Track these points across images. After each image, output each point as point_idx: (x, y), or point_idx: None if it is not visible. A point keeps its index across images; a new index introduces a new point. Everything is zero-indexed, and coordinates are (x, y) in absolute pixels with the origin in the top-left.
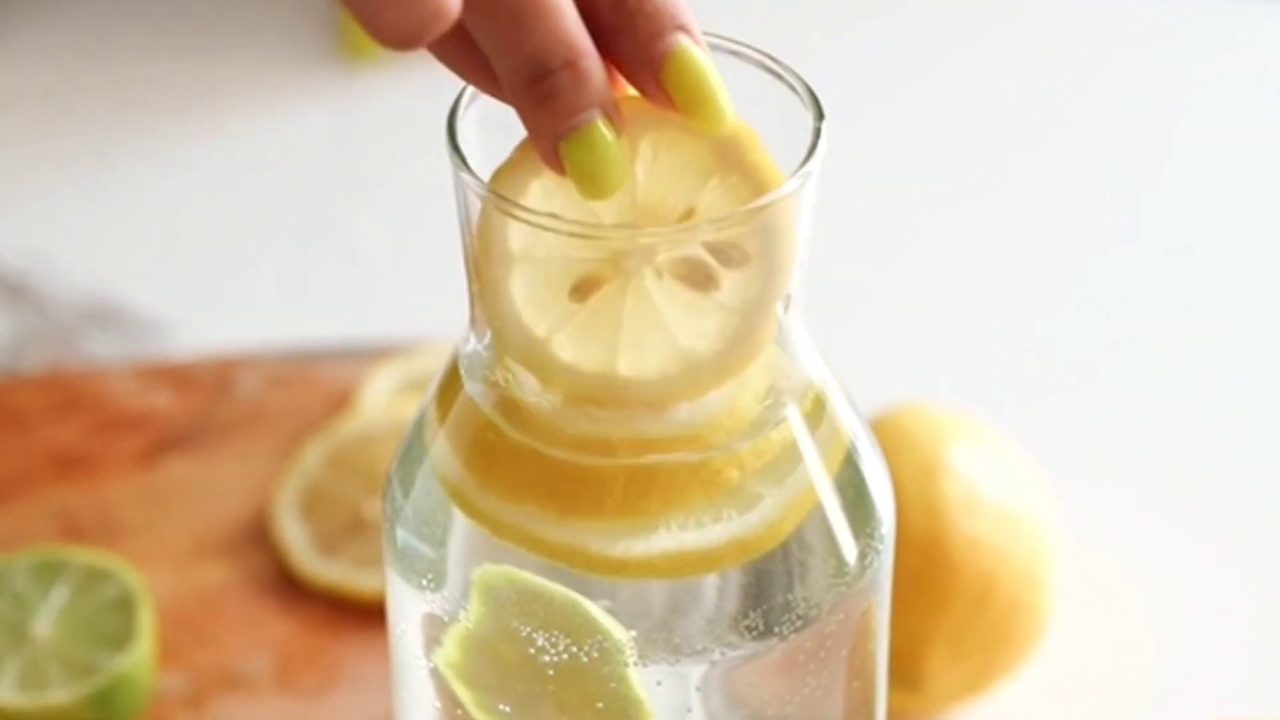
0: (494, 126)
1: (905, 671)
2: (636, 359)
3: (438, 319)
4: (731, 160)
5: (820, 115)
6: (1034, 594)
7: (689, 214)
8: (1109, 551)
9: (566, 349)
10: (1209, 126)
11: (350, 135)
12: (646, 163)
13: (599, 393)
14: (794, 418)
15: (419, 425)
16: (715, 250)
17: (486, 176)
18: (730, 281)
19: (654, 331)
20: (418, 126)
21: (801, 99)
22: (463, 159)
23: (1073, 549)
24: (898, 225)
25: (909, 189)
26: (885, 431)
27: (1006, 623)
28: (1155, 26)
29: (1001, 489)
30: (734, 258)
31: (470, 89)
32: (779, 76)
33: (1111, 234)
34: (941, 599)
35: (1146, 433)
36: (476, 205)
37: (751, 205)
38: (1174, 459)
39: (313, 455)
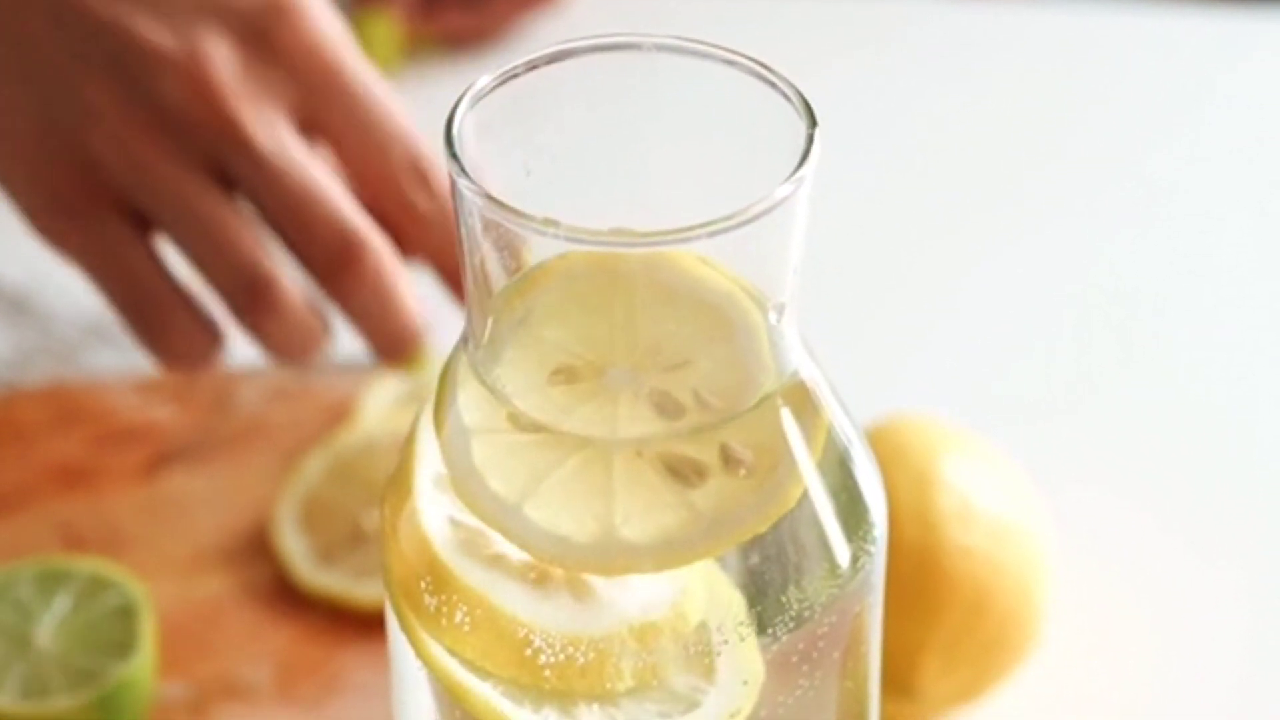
0: (493, 133)
1: (899, 680)
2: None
3: (438, 331)
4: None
5: (813, 123)
6: (1026, 604)
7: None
8: (1101, 562)
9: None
10: (1206, 144)
11: None
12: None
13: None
14: (787, 420)
15: (415, 435)
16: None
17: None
18: (715, 484)
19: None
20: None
21: (795, 107)
22: (461, 165)
23: (1065, 560)
24: (894, 238)
25: (905, 202)
26: (880, 443)
27: (999, 633)
28: (1159, 44)
29: (994, 500)
30: (730, 460)
31: (468, 95)
32: (772, 85)
33: (1106, 249)
34: (935, 609)
35: (1139, 444)
36: (474, 211)
37: (748, 207)
38: (1166, 470)
39: (313, 467)
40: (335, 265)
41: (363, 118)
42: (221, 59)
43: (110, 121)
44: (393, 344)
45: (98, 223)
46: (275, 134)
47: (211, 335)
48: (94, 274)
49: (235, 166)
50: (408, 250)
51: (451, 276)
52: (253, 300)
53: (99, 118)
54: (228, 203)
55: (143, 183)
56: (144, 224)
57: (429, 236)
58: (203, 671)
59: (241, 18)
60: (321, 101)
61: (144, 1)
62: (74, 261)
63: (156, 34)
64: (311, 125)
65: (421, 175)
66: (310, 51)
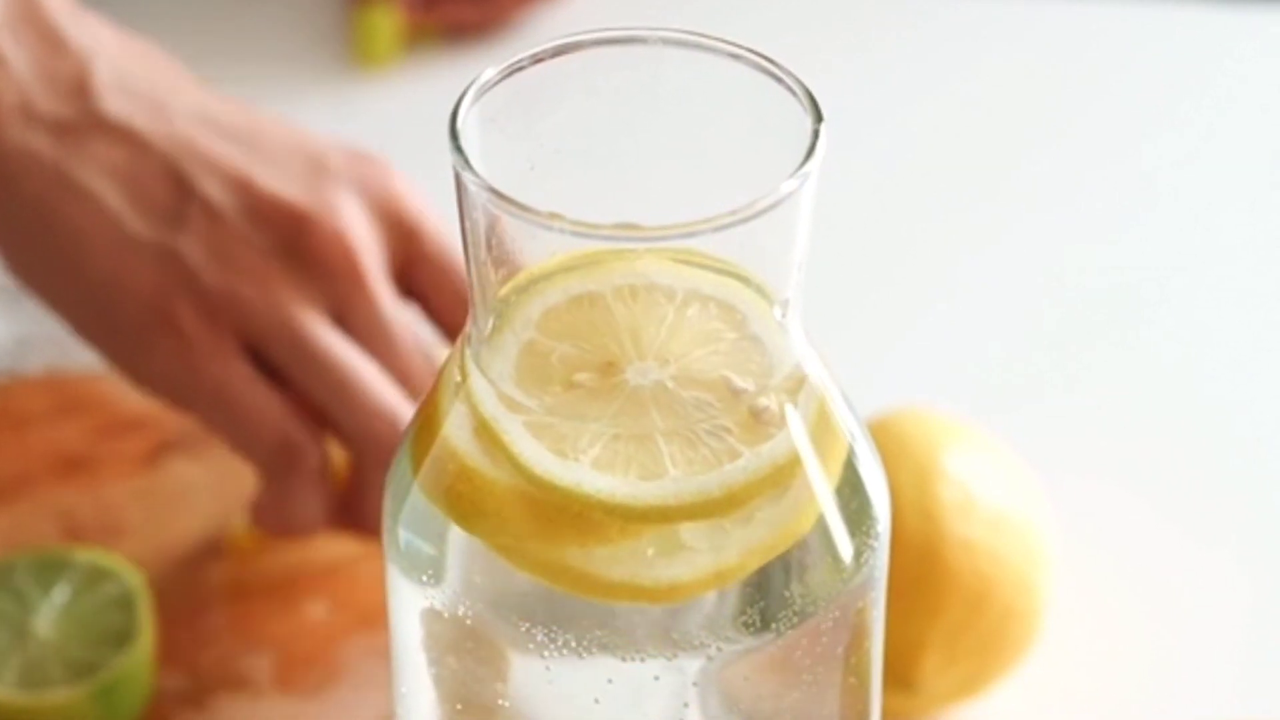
0: (497, 127)
1: (900, 673)
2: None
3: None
4: None
5: (819, 117)
6: (1028, 597)
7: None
8: (1102, 555)
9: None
10: (1202, 137)
11: (357, 141)
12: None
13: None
14: (795, 419)
15: (415, 427)
16: None
17: (488, 176)
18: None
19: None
20: (424, 133)
21: (800, 101)
22: (465, 159)
23: (1066, 553)
24: (896, 231)
25: (906, 195)
26: (881, 436)
27: (1001, 626)
28: (1155, 38)
29: (996, 493)
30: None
31: (473, 88)
32: (778, 79)
33: (1105, 240)
34: (936, 602)
35: (1141, 437)
36: (478, 205)
37: (753, 202)
38: (1168, 464)
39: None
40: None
41: (453, 272)
42: (351, 216)
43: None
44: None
45: (222, 358)
46: (392, 295)
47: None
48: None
49: (351, 319)
50: None
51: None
52: (373, 459)
53: (237, 262)
54: (358, 353)
55: (276, 323)
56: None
57: None
58: (202, 661)
59: (347, 176)
60: (414, 253)
61: (263, 155)
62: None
63: (288, 189)
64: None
65: None
66: (411, 213)
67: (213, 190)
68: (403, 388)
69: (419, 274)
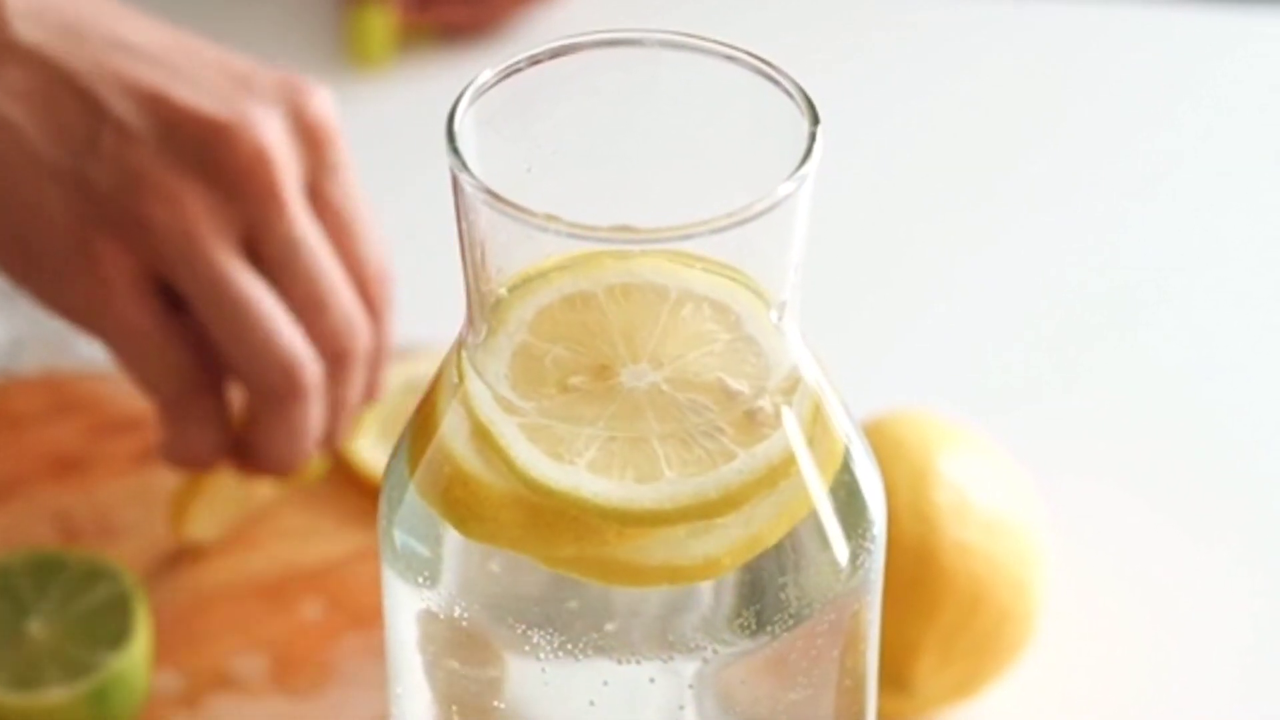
0: (493, 129)
1: (894, 675)
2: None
3: (436, 323)
4: None
5: (816, 120)
6: (1022, 599)
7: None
8: (1097, 557)
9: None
10: (1198, 138)
11: (351, 141)
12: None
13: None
14: (790, 421)
15: (412, 429)
16: None
17: (484, 177)
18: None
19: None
20: (418, 133)
21: (797, 104)
22: (462, 160)
23: (1062, 555)
24: (892, 232)
25: (902, 196)
26: (877, 438)
27: (995, 628)
28: (1150, 39)
29: (991, 496)
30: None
31: (470, 90)
32: (775, 81)
33: (1100, 242)
34: (931, 604)
35: (1136, 439)
36: (475, 207)
37: (750, 205)
38: (1162, 465)
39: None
40: (335, 362)
41: (354, 199)
42: (269, 129)
43: (162, 186)
44: (296, 461)
45: (134, 297)
46: (305, 211)
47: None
48: (134, 349)
49: (267, 236)
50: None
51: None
52: (288, 387)
53: (149, 184)
54: (262, 286)
55: (186, 255)
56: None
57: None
58: (196, 662)
59: (271, 92)
60: (324, 176)
61: (181, 75)
62: (108, 335)
63: (205, 103)
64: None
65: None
66: (323, 124)
67: (126, 111)
68: (313, 315)
69: (318, 204)
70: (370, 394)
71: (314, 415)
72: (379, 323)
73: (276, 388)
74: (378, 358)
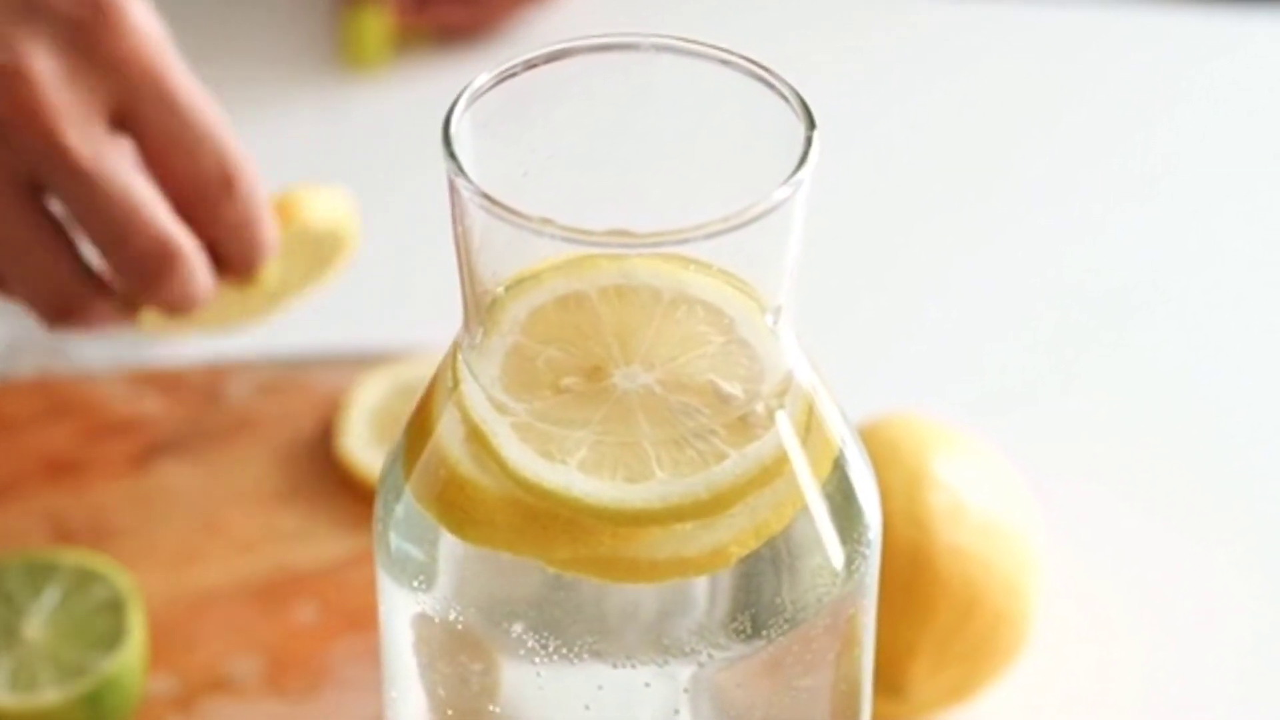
0: (490, 132)
1: (889, 679)
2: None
3: (429, 326)
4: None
5: (812, 124)
6: (1017, 603)
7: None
8: (1093, 560)
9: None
10: (1194, 140)
11: (346, 143)
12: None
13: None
14: (784, 424)
15: (408, 432)
16: None
17: (480, 181)
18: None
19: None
20: (414, 135)
21: (793, 108)
22: (458, 164)
23: (1057, 558)
24: (887, 235)
25: (897, 199)
26: (871, 442)
27: (990, 632)
28: (1145, 40)
29: (986, 499)
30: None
31: (466, 93)
32: (771, 86)
33: (1094, 244)
34: (926, 608)
35: (1131, 442)
36: (471, 211)
37: (746, 209)
38: (1158, 468)
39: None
40: (149, 275)
41: (173, 120)
42: (41, 69)
43: None
44: None
45: None
46: (94, 145)
47: None
48: None
49: (53, 178)
50: (214, 256)
51: (242, 276)
52: (61, 317)
53: None
54: (43, 221)
55: None
56: None
57: (232, 243)
58: (191, 664)
59: (60, 18)
60: (135, 102)
61: None
62: None
63: None
64: (122, 124)
65: (228, 181)
66: (129, 52)
67: None
68: (115, 247)
69: (138, 118)
70: (252, 260)
71: (197, 289)
72: (231, 207)
73: (150, 265)
74: (243, 233)
